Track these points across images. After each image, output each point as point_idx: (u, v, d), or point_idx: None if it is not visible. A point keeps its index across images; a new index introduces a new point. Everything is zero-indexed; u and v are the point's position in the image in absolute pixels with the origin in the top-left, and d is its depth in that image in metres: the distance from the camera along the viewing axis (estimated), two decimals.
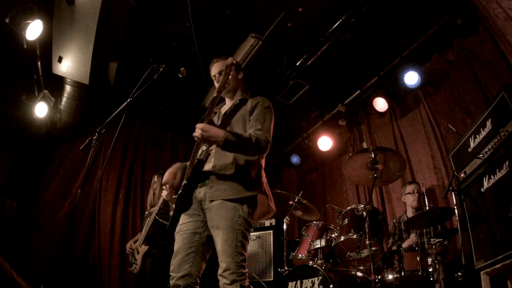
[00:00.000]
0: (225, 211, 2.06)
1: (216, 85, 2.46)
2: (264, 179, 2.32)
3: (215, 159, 2.22)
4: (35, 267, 4.44)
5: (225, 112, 2.48)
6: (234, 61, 2.22)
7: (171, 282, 2.08)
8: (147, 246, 3.76)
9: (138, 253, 3.83)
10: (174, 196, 2.40)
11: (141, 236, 3.90)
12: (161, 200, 3.73)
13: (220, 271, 1.99)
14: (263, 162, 2.36)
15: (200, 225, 2.17)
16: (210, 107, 2.16)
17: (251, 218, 2.14)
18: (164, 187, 3.66)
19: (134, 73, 3.40)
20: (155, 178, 4.26)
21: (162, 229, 3.79)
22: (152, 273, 3.70)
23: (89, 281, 4.81)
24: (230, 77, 2.17)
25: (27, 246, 4.59)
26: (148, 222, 3.84)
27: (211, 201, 2.11)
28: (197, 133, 2.03)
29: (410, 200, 3.92)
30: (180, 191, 2.16)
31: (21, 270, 3.61)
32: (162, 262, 3.71)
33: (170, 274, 2.09)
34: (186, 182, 2.15)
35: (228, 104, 2.55)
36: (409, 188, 3.98)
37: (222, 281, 1.97)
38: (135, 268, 3.79)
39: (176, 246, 2.15)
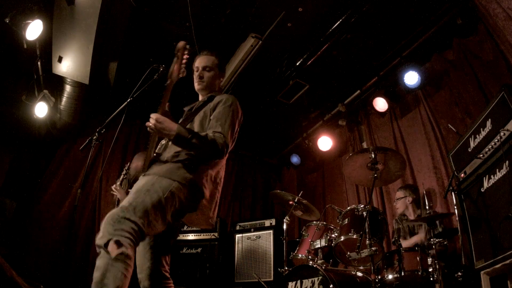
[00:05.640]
0: (150, 178, 1.90)
1: (196, 79, 2.44)
2: (208, 191, 2.05)
3: (165, 152, 2.10)
4: (35, 267, 4.43)
5: (191, 108, 2.40)
6: (187, 45, 2.10)
7: (141, 286, 1.98)
8: None
9: None
10: (129, 190, 2.29)
11: None
12: (116, 201, 3.70)
13: None
14: (213, 172, 2.10)
15: None
16: (165, 95, 2.02)
17: (181, 205, 1.90)
18: (113, 187, 3.58)
19: (134, 73, 3.39)
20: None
21: None
22: None
23: (89, 281, 4.80)
24: (211, 74, 2.29)
25: (27, 246, 4.58)
26: None
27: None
28: (151, 122, 1.92)
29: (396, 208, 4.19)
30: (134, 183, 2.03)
31: (21, 270, 3.61)
32: None
33: (138, 276, 2.00)
34: (143, 175, 2.01)
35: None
36: (396, 195, 4.19)
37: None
38: None
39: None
